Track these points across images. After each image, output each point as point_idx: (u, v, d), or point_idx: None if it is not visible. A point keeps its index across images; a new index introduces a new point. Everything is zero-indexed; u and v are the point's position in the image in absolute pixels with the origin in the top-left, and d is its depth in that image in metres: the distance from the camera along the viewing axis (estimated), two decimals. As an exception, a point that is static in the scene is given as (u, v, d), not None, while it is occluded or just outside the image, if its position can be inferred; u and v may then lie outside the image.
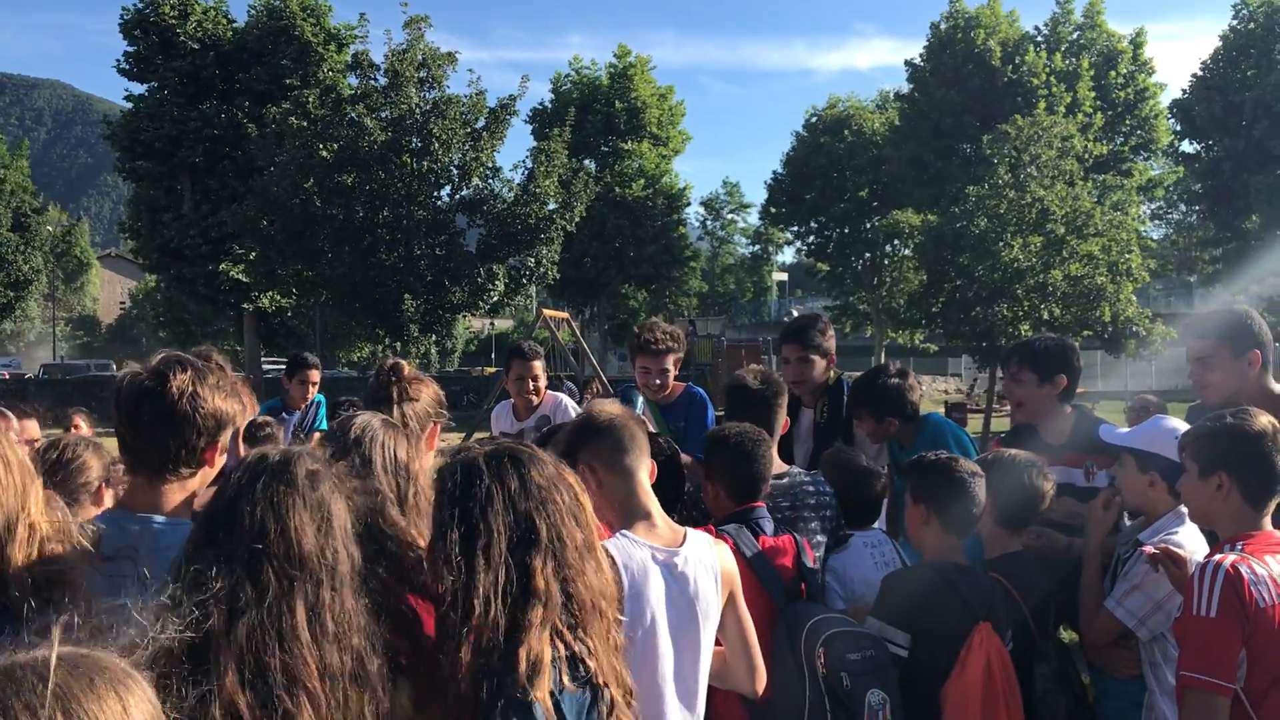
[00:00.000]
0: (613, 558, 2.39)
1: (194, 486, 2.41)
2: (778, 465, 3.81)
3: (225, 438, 2.43)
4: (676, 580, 2.58)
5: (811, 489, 3.91)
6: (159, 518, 2.31)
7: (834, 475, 4.14)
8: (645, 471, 2.75)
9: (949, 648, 3.22)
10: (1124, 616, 3.42)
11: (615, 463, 2.70)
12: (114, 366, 54.43)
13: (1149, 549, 3.35)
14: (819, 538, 3.84)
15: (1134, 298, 23.68)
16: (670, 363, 5.28)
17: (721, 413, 4.36)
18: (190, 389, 2.32)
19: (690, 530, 2.75)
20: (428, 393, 3.31)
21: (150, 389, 2.31)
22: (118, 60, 37.20)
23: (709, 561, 2.67)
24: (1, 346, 67.41)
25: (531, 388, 6.00)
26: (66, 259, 71.15)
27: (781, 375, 4.74)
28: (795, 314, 53.49)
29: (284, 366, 7.80)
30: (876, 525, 4.23)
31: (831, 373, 5.09)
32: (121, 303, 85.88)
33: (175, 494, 2.37)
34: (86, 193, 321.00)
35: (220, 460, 2.45)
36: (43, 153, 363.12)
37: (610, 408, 2.85)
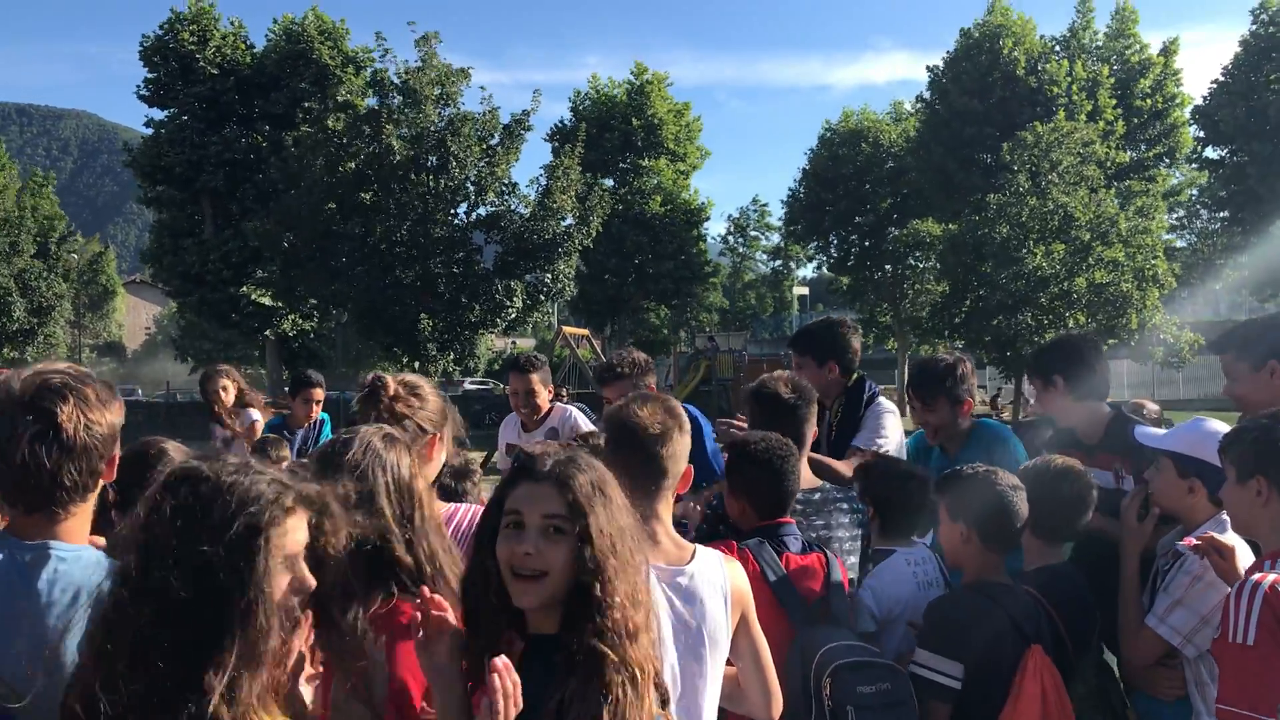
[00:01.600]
0: None
1: (91, 508, 2.22)
2: (808, 479, 3.60)
3: (117, 446, 2.24)
4: (682, 601, 2.42)
5: (845, 506, 3.68)
6: (62, 546, 2.10)
7: (873, 483, 3.90)
8: (657, 481, 2.57)
9: (1003, 675, 3.03)
10: (1167, 634, 3.20)
11: (629, 460, 2.52)
12: (138, 392, 54.78)
13: (1191, 540, 3.15)
14: (852, 559, 3.61)
15: (1161, 304, 23.31)
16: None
17: (743, 423, 4.12)
18: (80, 418, 2.10)
19: (700, 547, 2.57)
20: (426, 407, 3.10)
21: (39, 431, 2.06)
22: (138, 87, 37.48)
23: (717, 581, 2.50)
24: (28, 373, 67.80)
25: (530, 403, 5.80)
26: (93, 286, 71.78)
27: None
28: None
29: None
30: (922, 539, 3.96)
31: (853, 375, 4.80)
32: (146, 329, 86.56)
33: (76, 522, 2.17)
34: (113, 220, 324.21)
35: (113, 470, 2.24)
36: (69, 182, 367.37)
37: (631, 413, 2.65)
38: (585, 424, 5.75)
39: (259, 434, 6.97)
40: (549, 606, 1.99)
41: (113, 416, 2.19)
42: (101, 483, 2.22)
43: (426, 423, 3.08)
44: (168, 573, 1.60)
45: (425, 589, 2.04)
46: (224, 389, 7.52)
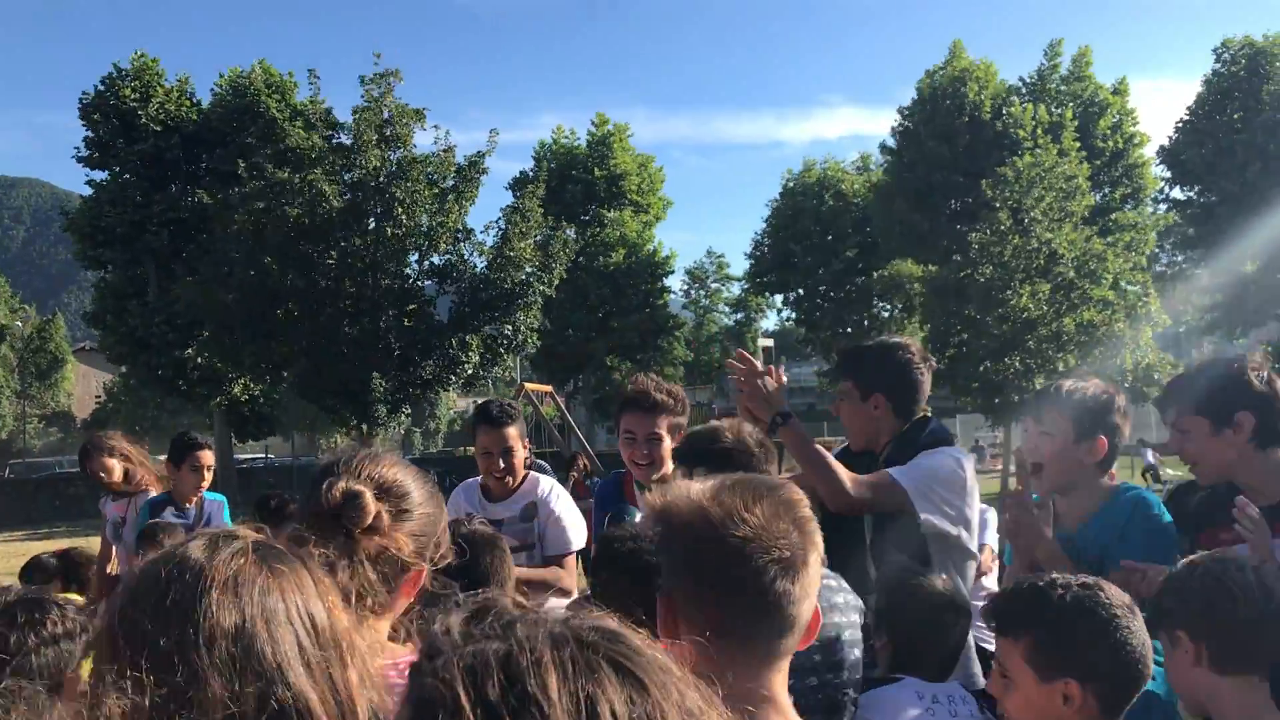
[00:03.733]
0: None
1: None
2: None
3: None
4: None
5: (834, 584, 2.51)
6: None
7: (892, 603, 2.72)
8: (774, 638, 1.47)
9: None
10: None
11: (702, 614, 1.43)
12: (86, 463, 52.72)
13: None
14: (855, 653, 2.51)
15: (1154, 342, 22.45)
16: (665, 427, 3.87)
17: None
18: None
19: None
20: (410, 519, 1.84)
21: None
22: (77, 148, 36.13)
23: None
24: (-28, 446, 65.46)
25: (509, 463, 4.32)
26: (40, 355, 70.21)
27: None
28: (784, 380, 52.81)
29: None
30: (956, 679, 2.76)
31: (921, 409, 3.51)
32: (97, 397, 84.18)
33: None
34: (66, 288, 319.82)
35: None
36: (21, 251, 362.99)
37: (730, 513, 1.46)
38: (567, 502, 4.45)
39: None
40: None
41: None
42: None
43: (411, 555, 1.82)
44: None
45: None
46: (107, 468, 6.15)
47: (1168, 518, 3.00)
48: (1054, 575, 2.04)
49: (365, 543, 1.75)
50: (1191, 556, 2.39)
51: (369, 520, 1.76)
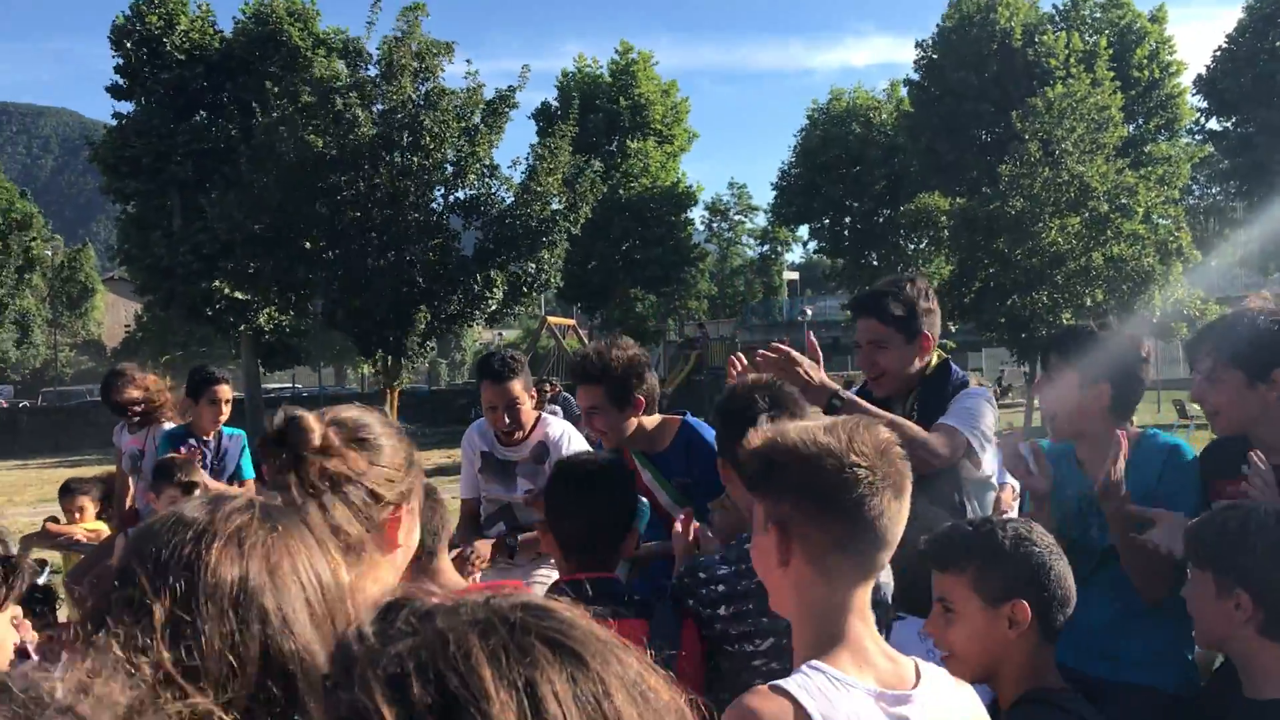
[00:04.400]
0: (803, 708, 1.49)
1: None
2: None
3: None
4: None
5: None
6: None
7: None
8: (870, 554, 1.66)
9: None
10: None
11: (826, 533, 1.62)
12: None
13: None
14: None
15: (1185, 279, 22.09)
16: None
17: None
18: None
19: (923, 664, 1.70)
20: (379, 460, 1.82)
21: None
22: (108, 78, 36.34)
23: (959, 711, 1.68)
24: (5, 375, 66.36)
25: (514, 416, 4.28)
26: (71, 284, 70.98)
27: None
28: (809, 313, 52.37)
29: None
30: None
31: (933, 356, 3.42)
32: (126, 326, 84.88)
33: None
34: (95, 218, 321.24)
35: None
36: (50, 180, 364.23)
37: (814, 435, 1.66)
38: (581, 445, 4.36)
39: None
40: None
41: None
42: None
43: (382, 487, 1.80)
44: None
45: None
46: (130, 400, 6.17)
47: (1196, 469, 2.96)
48: (988, 516, 2.23)
49: (319, 466, 1.73)
50: (1257, 505, 2.36)
51: (315, 439, 1.74)
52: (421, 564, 2.74)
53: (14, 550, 2.85)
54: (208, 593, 1.15)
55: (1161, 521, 2.63)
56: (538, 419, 4.44)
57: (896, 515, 1.63)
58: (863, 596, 1.65)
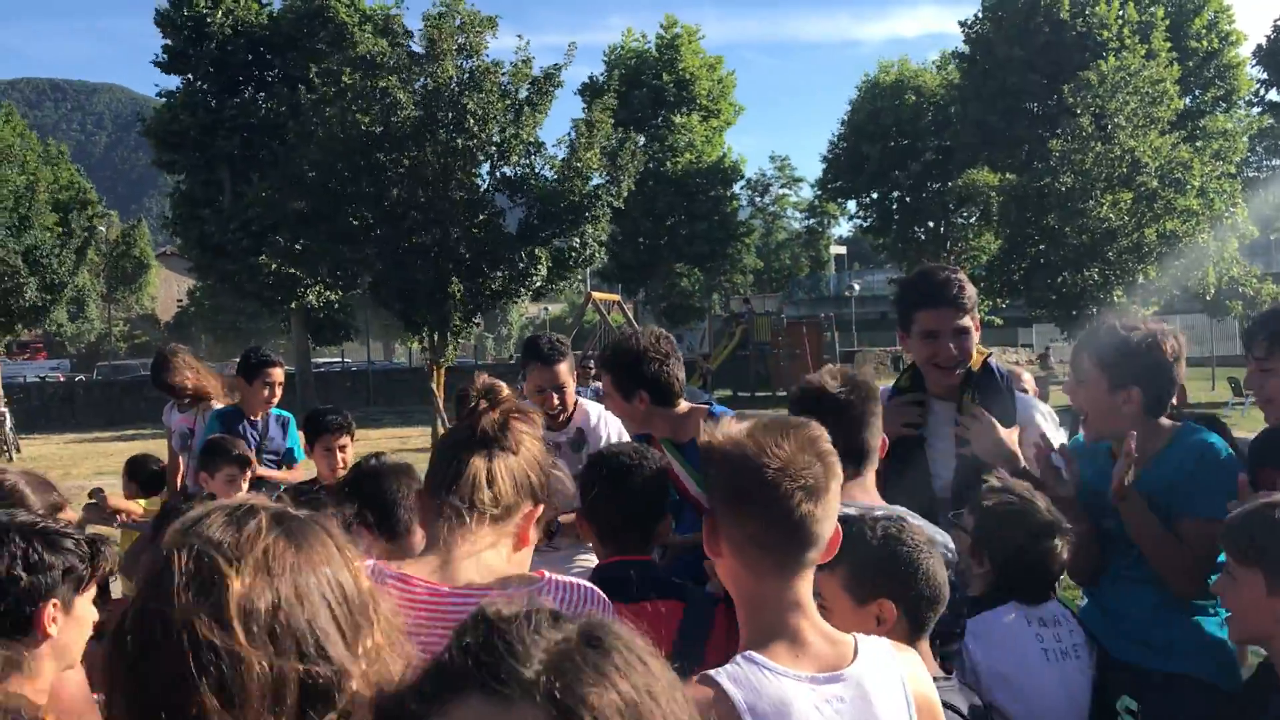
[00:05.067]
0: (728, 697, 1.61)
1: None
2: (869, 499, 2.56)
3: None
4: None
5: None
6: None
7: (988, 527, 2.72)
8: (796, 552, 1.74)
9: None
10: None
11: (742, 529, 1.75)
12: (170, 365, 54.17)
13: None
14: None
15: (1239, 255, 21.61)
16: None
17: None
18: None
19: (862, 637, 1.79)
20: (536, 453, 2.06)
21: None
22: (156, 55, 36.65)
23: (894, 680, 1.74)
24: (62, 349, 67.68)
25: (557, 400, 4.35)
26: (126, 259, 72.06)
27: (926, 357, 3.27)
28: (856, 288, 51.94)
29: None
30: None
31: (976, 350, 3.36)
32: (179, 300, 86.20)
33: None
34: (148, 193, 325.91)
35: None
36: (104, 156, 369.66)
37: (756, 442, 1.75)
38: (617, 431, 4.36)
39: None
40: None
41: None
42: None
43: (534, 471, 2.05)
44: None
45: None
46: (181, 381, 6.28)
47: (1234, 467, 2.92)
48: (862, 514, 2.21)
49: (511, 418, 1.98)
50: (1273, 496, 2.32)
51: (513, 400, 2.02)
52: (398, 541, 2.89)
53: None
54: (243, 622, 1.14)
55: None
56: (576, 404, 4.49)
57: (816, 514, 1.70)
58: (798, 589, 1.73)
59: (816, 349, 31.07)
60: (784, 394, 30.13)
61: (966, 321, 3.25)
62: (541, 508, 2.03)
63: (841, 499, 2.35)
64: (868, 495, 2.53)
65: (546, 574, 2.05)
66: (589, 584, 2.12)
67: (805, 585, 1.76)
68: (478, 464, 1.92)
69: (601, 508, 2.77)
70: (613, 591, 2.50)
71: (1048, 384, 25.15)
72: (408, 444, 23.57)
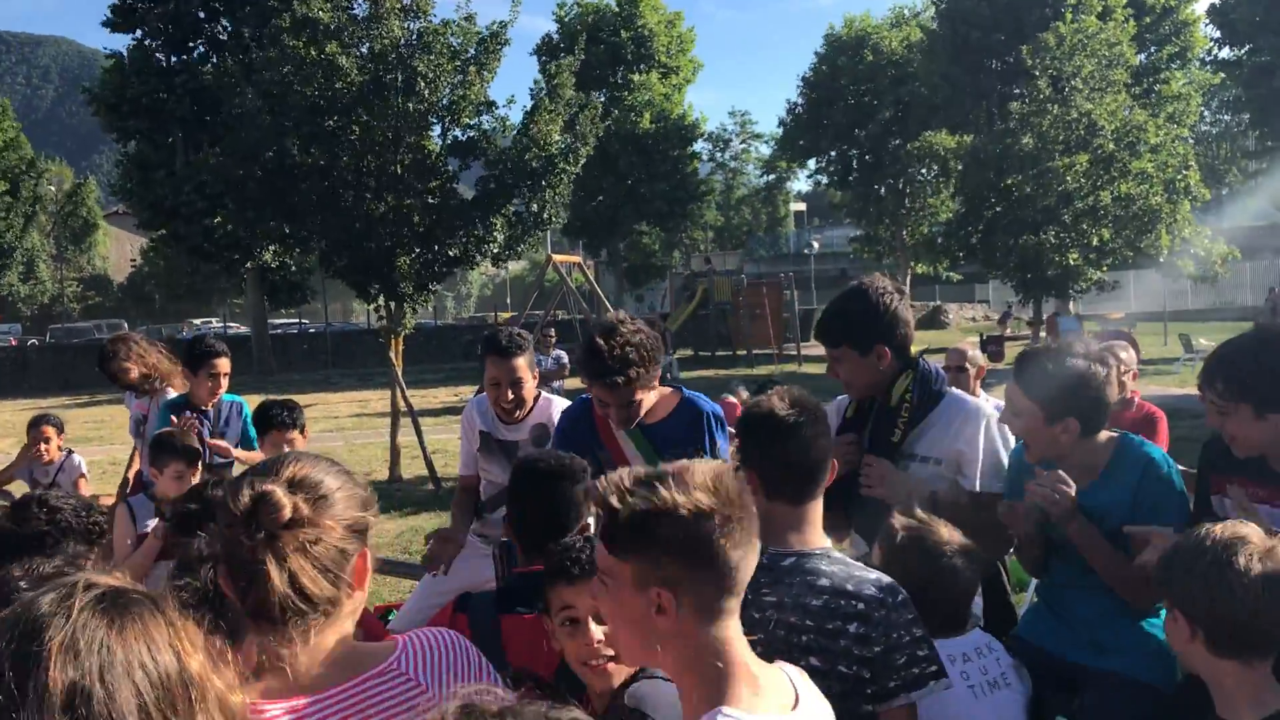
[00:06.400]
0: None
1: None
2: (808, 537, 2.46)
3: None
4: None
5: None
6: None
7: (899, 564, 2.65)
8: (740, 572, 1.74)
9: None
10: None
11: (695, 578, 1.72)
12: (125, 326, 53.35)
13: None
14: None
15: (1192, 217, 21.85)
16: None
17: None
18: None
19: (787, 668, 1.80)
20: (333, 509, 1.75)
21: None
22: (105, 16, 35.75)
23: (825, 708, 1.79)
24: (16, 311, 66.40)
25: (518, 394, 4.29)
26: (73, 219, 70.46)
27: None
28: (816, 245, 51.96)
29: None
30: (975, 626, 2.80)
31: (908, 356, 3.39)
32: (132, 260, 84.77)
33: None
34: (98, 150, 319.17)
35: None
36: (51, 110, 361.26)
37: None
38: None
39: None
40: None
41: None
42: None
43: (349, 541, 1.75)
44: None
45: None
46: (123, 371, 6.22)
47: (1177, 478, 2.96)
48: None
49: (293, 539, 1.67)
50: (1204, 528, 2.29)
51: (286, 513, 1.67)
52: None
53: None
54: (40, 698, 1.14)
55: (1157, 542, 2.63)
56: (538, 398, 4.45)
57: (739, 555, 1.70)
58: (729, 629, 1.71)
59: (776, 308, 31.14)
60: (743, 353, 30.23)
61: (835, 353, 3.37)
62: (365, 547, 1.79)
63: (779, 542, 2.35)
64: (808, 530, 2.46)
65: (399, 640, 1.87)
66: (447, 634, 1.92)
67: (734, 623, 1.73)
68: (274, 574, 1.65)
69: (523, 514, 2.77)
70: (522, 601, 2.50)
71: (1003, 343, 25.45)
72: (368, 408, 23.46)
